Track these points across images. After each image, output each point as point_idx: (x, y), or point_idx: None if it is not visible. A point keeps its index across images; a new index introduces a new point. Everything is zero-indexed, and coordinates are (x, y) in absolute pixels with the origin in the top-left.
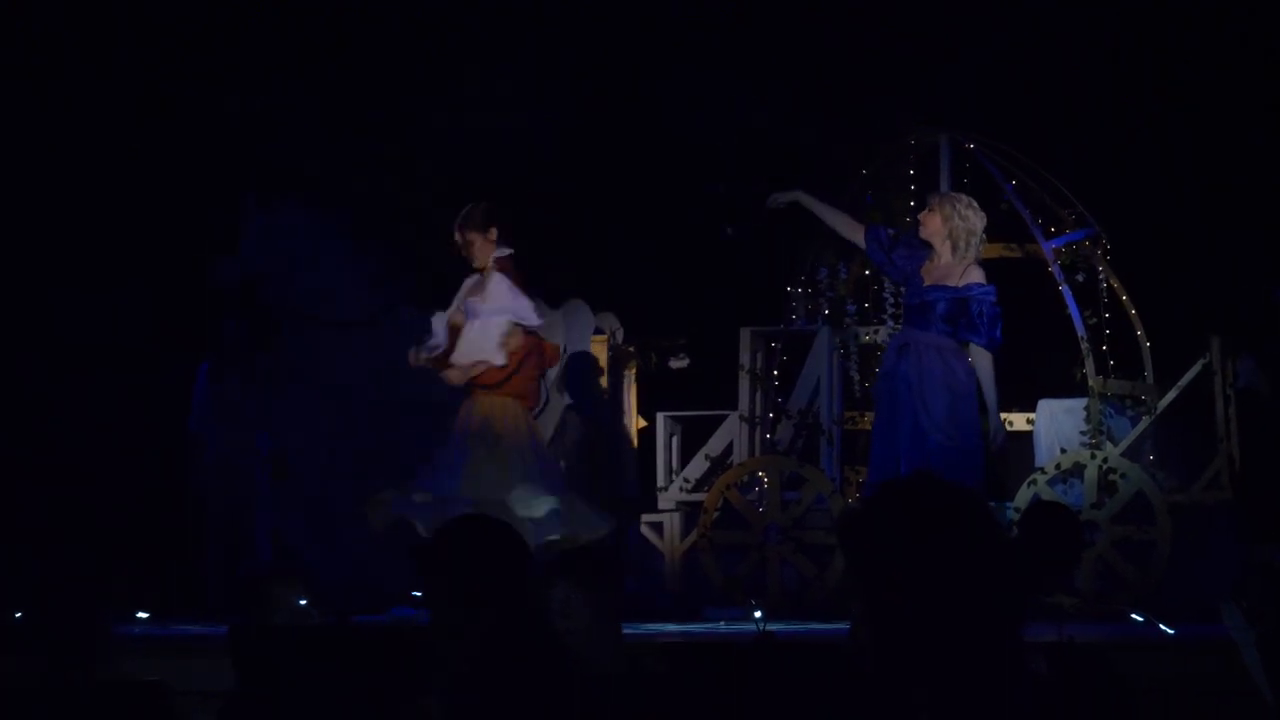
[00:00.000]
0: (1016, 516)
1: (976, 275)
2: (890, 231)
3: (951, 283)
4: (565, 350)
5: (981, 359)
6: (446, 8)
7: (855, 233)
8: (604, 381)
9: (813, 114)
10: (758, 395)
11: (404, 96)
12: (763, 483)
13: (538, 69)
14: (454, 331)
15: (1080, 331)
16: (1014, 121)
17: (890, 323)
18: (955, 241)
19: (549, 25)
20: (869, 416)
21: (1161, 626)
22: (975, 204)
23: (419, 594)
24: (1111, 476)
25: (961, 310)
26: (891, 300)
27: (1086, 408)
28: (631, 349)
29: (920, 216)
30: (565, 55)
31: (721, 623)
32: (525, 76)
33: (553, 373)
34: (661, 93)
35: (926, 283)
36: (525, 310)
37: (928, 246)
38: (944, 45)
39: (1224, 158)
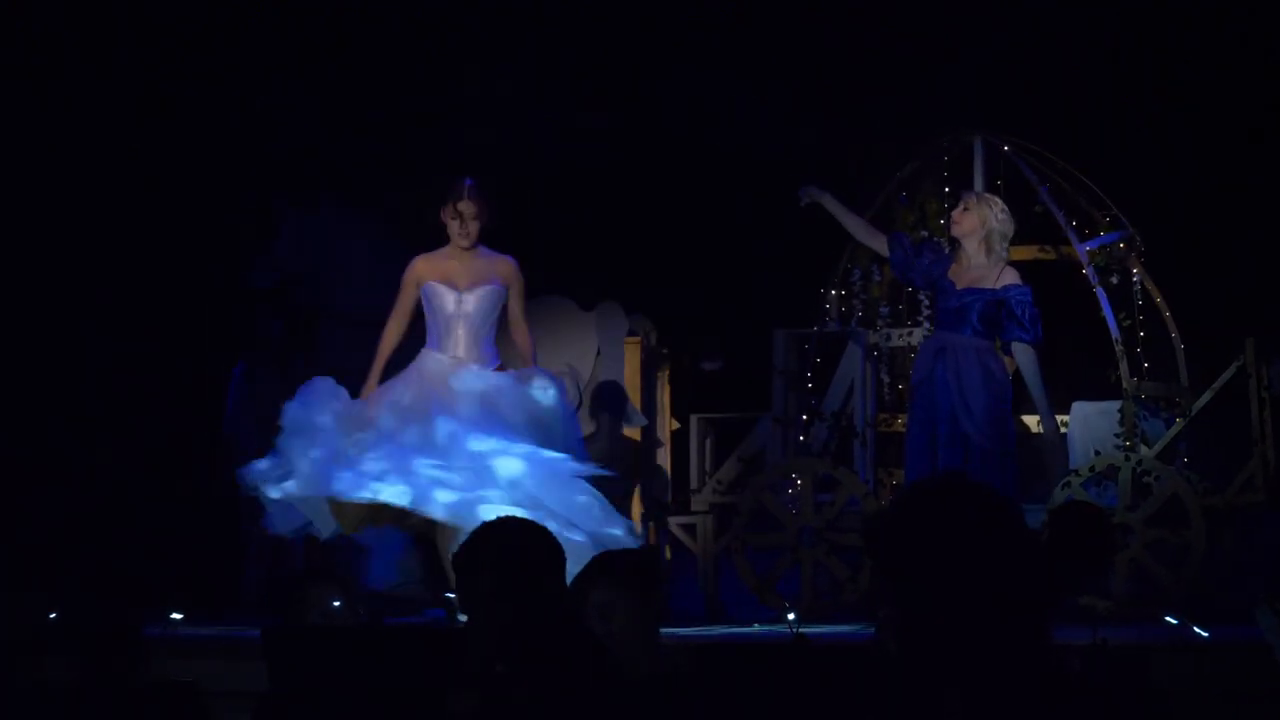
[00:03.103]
0: (1048, 518)
1: (1012, 276)
2: (913, 237)
3: (988, 285)
4: (599, 353)
5: (1026, 357)
6: (483, 11)
7: (875, 239)
8: (637, 384)
9: (846, 118)
10: (791, 397)
11: (435, 99)
12: (796, 485)
13: (568, 70)
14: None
15: (1114, 334)
16: (1042, 123)
17: (926, 324)
18: (990, 243)
19: (577, 26)
20: (902, 419)
21: (1195, 629)
22: (1007, 208)
23: (452, 595)
24: (1145, 479)
25: (1001, 312)
26: (927, 303)
27: (1121, 410)
28: (665, 351)
29: (954, 214)
30: (597, 56)
31: (754, 625)
32: (556, 78)
33: (586, 375)
34: (696, 96)
35: (959, 286)
36: None
37: (953, 247)
38: (965, 48)
39: (1259, 159)
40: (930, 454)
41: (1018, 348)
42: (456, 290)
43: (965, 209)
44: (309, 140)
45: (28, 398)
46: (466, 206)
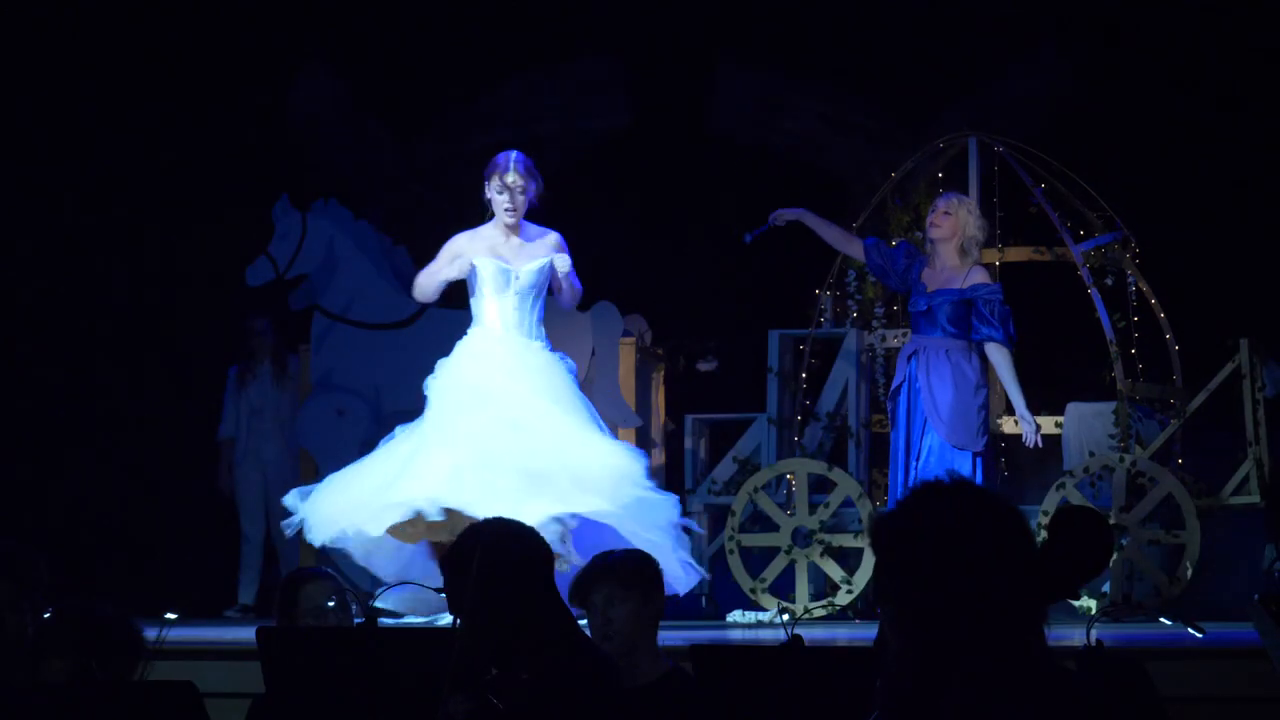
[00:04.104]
0: (1044, 520)
1: (981, 275)
2: (907, 238)
3: (957, 285)
4: (594, 353)
5: (999, 356)
6: (483, 15)
7: (852, 246)
8: (632, 384)
9: (848, 121)
10: (786, 398)
11: (436, 99)
12: (790, 485)
13: (567, 73)
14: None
15: (1109, 335)
16: (1040, 124)
17: None
18: (966, 247)
19: (583, 29)
20: None
21: (1190, 630)
22: (980, 212)
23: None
24: (1140, 480)
25: (971, 310)
26: None
27: (1115, 411)
28: (660, 351)
29: (933, 218)
30: (595, 59)
31: (749, 625)
32: (557, 81)
33: (581, 376)
34: (692, 97)
35: (930, 288)
36: None
37: (928, 249)
38: (977, 53)
39: (1252, 159)
40: (908, 459)
41: (990, 347)
42: (509, 265)
43: (946, 213)
44: (308, 141)
45: (26, 398)
46: (514, 180)
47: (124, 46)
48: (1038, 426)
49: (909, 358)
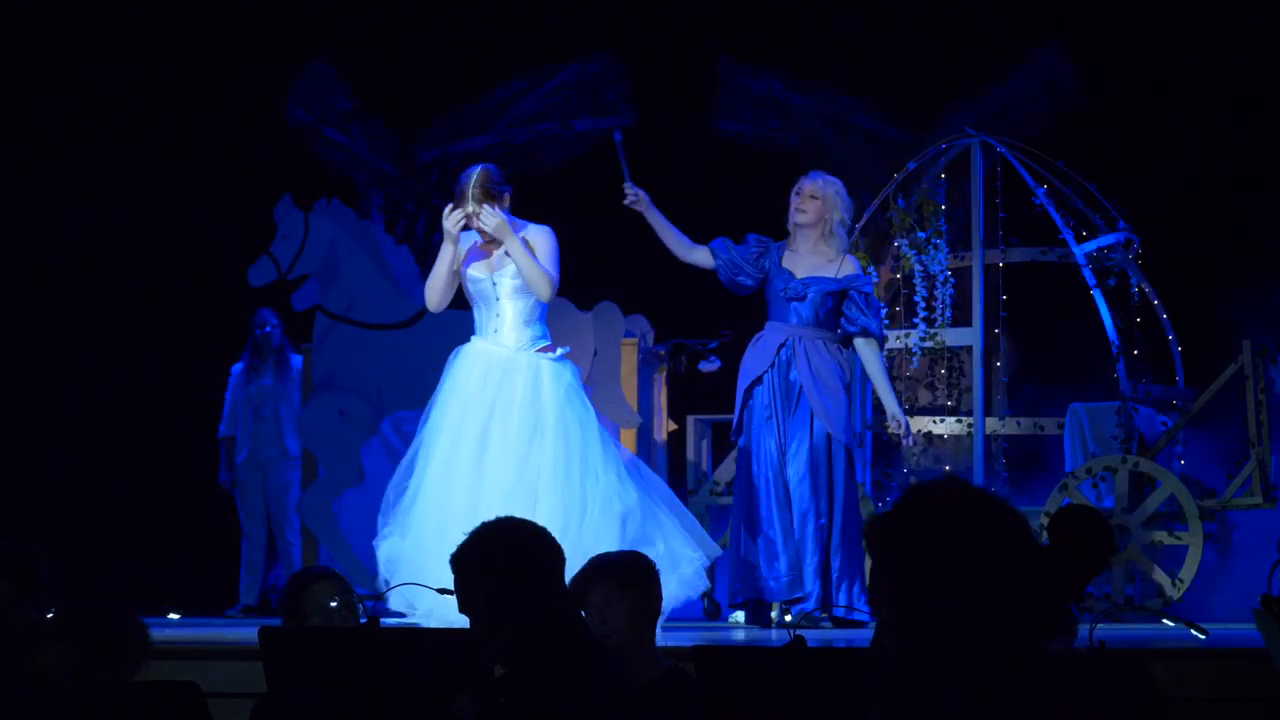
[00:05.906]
0: (1045, 520)
1: (851, 267)
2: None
3: (829, 274)
4: (596, 353)
5: (870, 351)
6: (483, 15)
7: (695, 253)
8: (634, 385)
9: (850, 122)
10: None
11: (436, 98)
12: None
13: (568, 71)
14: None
15: (1112, 335)
16: (1043, 125)
17: (923, 326)
18: (836, 231)
19: (584, 29)
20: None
21: (1192, 631)
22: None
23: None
24: (1143, 481)
25: (844, 301)
26: (923, 304)
27: (1118, 411)
28: (662, 352)
29: (797, 203)
30: (598, 58)
31: (750, 627)
32: (558, 80)
33: (583, 376)
34: (693, 95)
35: (798, 274)
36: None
37: (789, 235)
38: (980, 54)
39: (1255, 160)
40: (777, 455)
41: (861, 341)
42: (489, 273)
43: (812, 196)
44: (309, 141)
45: (27, 396)
46: (467, 205)
47: (126, 45)
48: (909, 425)
49: (779, 348)
